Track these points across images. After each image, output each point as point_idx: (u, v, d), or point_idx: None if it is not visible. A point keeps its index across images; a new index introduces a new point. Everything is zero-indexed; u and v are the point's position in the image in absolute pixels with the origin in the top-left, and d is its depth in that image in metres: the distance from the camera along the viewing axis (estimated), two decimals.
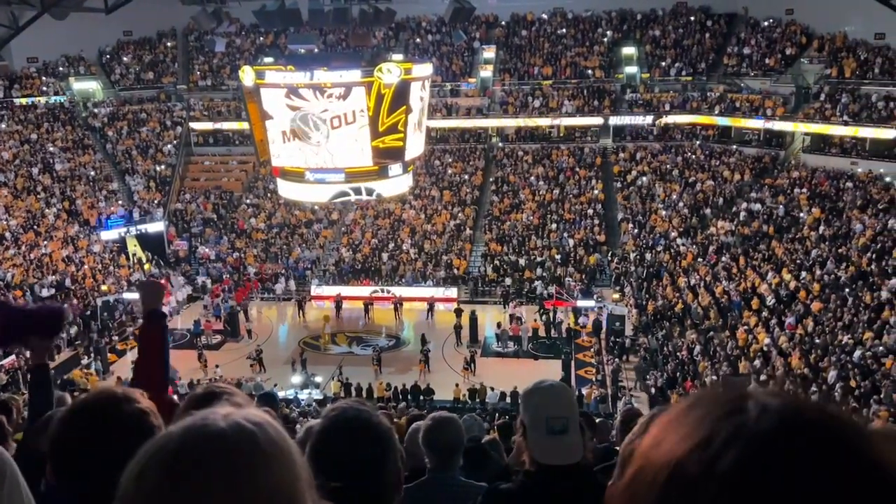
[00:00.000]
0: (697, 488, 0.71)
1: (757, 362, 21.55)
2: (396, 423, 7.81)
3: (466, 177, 37.59)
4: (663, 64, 39.12)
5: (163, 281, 30.19)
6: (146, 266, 33.47)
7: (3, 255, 29.64)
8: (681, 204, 33.35)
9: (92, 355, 25.90)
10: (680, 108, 37.08)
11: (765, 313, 23.72)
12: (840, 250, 24.92)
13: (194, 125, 40.74)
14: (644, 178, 35.40)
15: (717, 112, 35.98)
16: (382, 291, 31.30)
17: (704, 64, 38.62)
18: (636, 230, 32.94)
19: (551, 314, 28.46)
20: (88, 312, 28.46)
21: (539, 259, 32.37)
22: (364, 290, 31.40)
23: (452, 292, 31.11)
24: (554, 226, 34.02)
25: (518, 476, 2.58)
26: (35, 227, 32.20)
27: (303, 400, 22.52)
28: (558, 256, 32.25)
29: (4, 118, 37.26)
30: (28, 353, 3.00)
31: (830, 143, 32.84)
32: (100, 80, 41.84)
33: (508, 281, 31.41)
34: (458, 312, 28.34)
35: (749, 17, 39.36)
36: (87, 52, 41.88)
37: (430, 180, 37.49)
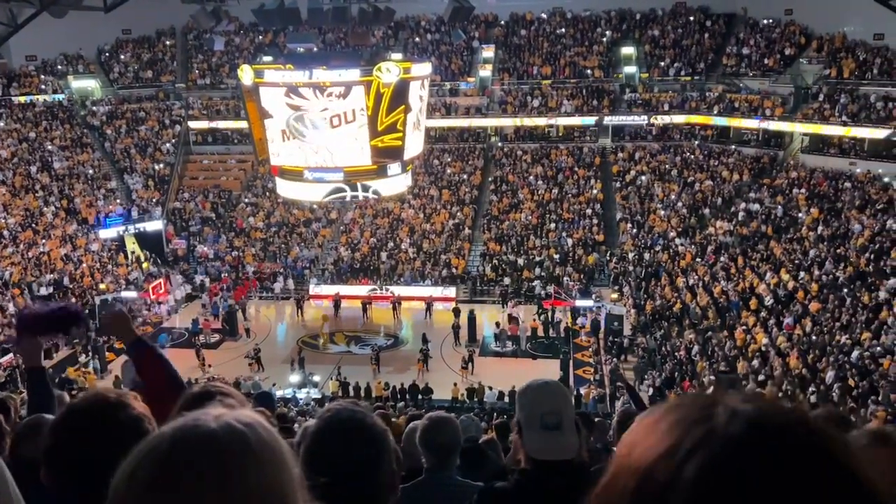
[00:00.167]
0: (665, 495, 0.70)
1: (755, 362, 21.58)
2: (395, 422, 7.81)
3: (465, 176, 37.59)
4: (662, 64, 39.14)
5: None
6: (144, 265, 33.45)
7: (2, 253, 29.62)
8: (679, 204, 33.37)
9: (90, 354, 25.88)
10: (679, 108, 37.10)
11: (763, 313, 23.74)
12: (838, 250, 24.95)
13: (193, 124, 40.72)
14: (643, 178, 35.42)
15: (715, 112, 35.99)
16: (381, 290, 31.31)
17: (703, 64, 38.64)
18: (635, 230, 32.96)
19: (550, 314, 28.47)
20: (87, 311, 28.42)
21: (538, 259, 32.38)
22: (362, 290, 31.40)
23: (451, 292, 31.11)
24: (553, 225, 34.03)
25: (513, 475, 2.58)
26: (33, 225, 32.17)
27: (301, 399, 22.53)
28: (557, 256, 32.26)
29: (3, 116, 37.21)
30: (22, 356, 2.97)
31: (829, 144, 32.86)
32: (98, 79, 41.79)
33: (507, 280, 31.42)
34: (457, 312, 28.35)
35: (748, 17, 39.38)
36: (86, 50, 41.84)
37: (428, 179, 37.49)
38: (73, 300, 28.17)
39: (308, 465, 1.57)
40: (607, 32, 41.01)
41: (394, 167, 20.03)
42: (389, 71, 18.41)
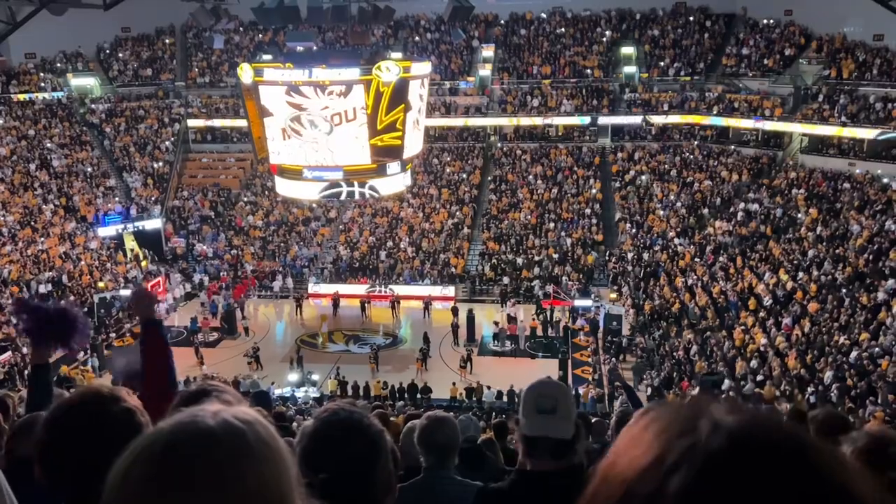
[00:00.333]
0: None
1: (753, 363, 21.59)
2: (393, 421, 7.80)
3: (465, 175, 37.59)
4: (662, 64, 39.14)
5: (150, 286, 30.27)
6: (143, 263, 33.43)
7: (1, 251, 29.59)
8: (678, 204, 33.39)
9: (88, 352, 25.85)
10: (678, 108, 37.11)
11: (762, 314, 23.75)
12: (837, 251, 24.96)
13: (192, 122, 40.69)
14: (642, 178, 35.43)
15: (715, 112, 36.00)
16: (380, 288, 31.30)
17: (703, 64, 38.65)
18: (634, 230, 32.97)
19: (548, 313, 28.48)
20: (85, 309, 28.41)
21: (537, 258, 32.38)
22: (361, 289, 31.39)
23: (450, 291, 31.11)
24: (552, 225, 34.03)
25: (510, 475, 2.58)
26: (32, 223, 32.14)
27: (300, 398, 22.53)
28: (556, 256, 32.27)
29: (2, 114, 37.15)
30: (27, 350, 3.05)
31: (828, 144, 32.87)
32: (98, 77, 41.75)
33: (506, 280, 31.42)
34: (455, 311, 28.35)
35: (748, 17, 39.39)
36: (86, 48, 41.80)
37: (428, 179, 37.48)
38: (73, 298, 28.17)
39: (305, 465, 1.56)
40: (607, 32, 41.01)
41: (393, 166, 20.01)
42: (389, 70, 18.39)
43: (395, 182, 20.87)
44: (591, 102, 38.16)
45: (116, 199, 35.92)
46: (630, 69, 39.55)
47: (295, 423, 10.04)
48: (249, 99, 20.30)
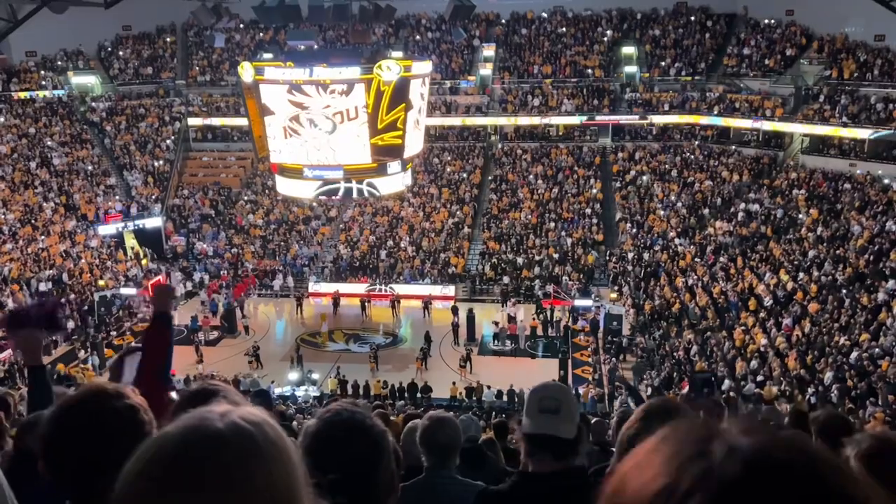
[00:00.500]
0: None
1: (754, 363, 21.59)
2: (393, 420, 7.80)
3: (465, 175, 37.58)
4: (663, 64, 39.13)
5: (151, 285, 30.37)
6: (144, 261, 33.43)
7: (1, 249, 29.60)
8: (679, 204, 33.38)
9: (89, 350, 25.87)
10: (679, 108, 37.10)
11: (762, 314, 23.75)
12: (838, 252, 24.96)
13: (192, 121, 40.70)
14: (643, 178, 35.42)
15: (716, 112, 35.99)
16: (381, 287, 31.29)
17: (704, 64, 38.63)
18: (634, 230, 32.96)
19: (549, 313, 28.47)
20: (86, 307, 28.41)
21: (537, 258, 32.37)
22: (362, 288, 31.39)
23: (450, 290, 31.11)
24: (552, 225, 34.03)
25: (511, 477, 2.58)
26: (32, 221, 32.14)
27: (300, 397, 22.54)
28: (556, 255, 32.27)
29: (3, 112, 37.16)
30: (20, 355, 3.07)
31: (829, 145, 32.86)
32: (98, 75, 41.75)
33: (506, 279, 31.42)
34: (455, 310, 28.35)
35: (749, 17, 39.37)
36: (86, 46, 41.79)
37: (428, 178, 37.48)
38: (73, 297, 28.19)
39: (307, 465, 1.56)
40: (608, 32, 41.00)
41: (394, 165, 19.98)
42: (390, 69, 18.36)
43: (394, 181, 20.83)
44: (591, 102, 38.15)
45: (117, 197, 35.93)
46: (631, 69, 39.54)
47: (295, 423, 10.04)
48: (250, 98, 20.28)
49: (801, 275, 24.63)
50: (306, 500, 0.97)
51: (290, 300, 31.29)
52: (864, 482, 0.70)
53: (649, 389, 22.13)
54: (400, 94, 18.70)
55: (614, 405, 21.12)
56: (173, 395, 2.81)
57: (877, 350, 19.37)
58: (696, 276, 28.25)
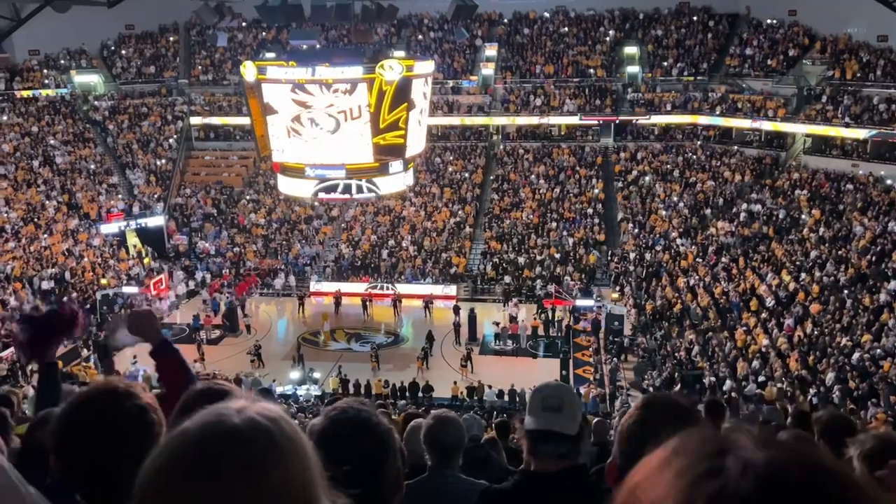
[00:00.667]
0: None
1: (755, 363, 21.57)
2: (394, 419, 7.81)
3: (467, 174, 37.59)
4: (665, 64, 39.10)
5: (153, 282, 30.42)
6: (146, 260, 33.46)
7: (3, 247, 29.64)
8: (681, 204, 33.36)
9: (91, 349, 25.90)
10: (681, 108, 37.07)
11: (764, 314, 23.74)
12: (840, 252, 24.94)
13: (195, 120, 40.73)
14: (645, 178, 35.40)
15: (718, 112, 35.96)
16: (382, 286, 31.29)
17: (706, 64, 38.60)
18: (636, 230, 32.95)
19: (550, 313, 28.47)
20: (88, 306, 28.45)
21: (539, 258, 32.37)
22: (363, 287, 31.39)
23: (451, 290, 31.11)
24: (554, 224, 34.02)
25: (514, 476, 2.59)
26: (35, 219, 32.19)
27: (301, 396, 22.57)
28: (558, 255, 32.26)
29: (6, 111, 37.22)
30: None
31: (832, 145, 32.82)
32: (101, 74, 41.78)
33: (508, 279, 31.42)
34: (457, 310, 28.36)
35: (752, 17, 39.32)
36: (89, 45, 41.82)
37: (430, 177, 37.48)
38: (74, 295, 28.20)
39: None
40: (610, 32, 40.98)
41: (395, 165, 19.99)
42: (392, 69, 18.37)
43: (396, 181, 20.84)
44: (593, 102, 38.14)
45: (119, 196, 35.95)
46: (633, 69, 39.52)
47: (297, 422, 10.06)
48: (252, 97, 20.30)
49: (803, 275, 24.62)
50: (322, 495, 0.99)
51: (292, 299, 31.32)
52: (880, 498, 0.69)
53: (651, 390, 22.13)
54: (402, 93, 18.71)
55: (615, 405, 21.14)
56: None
57: (879, 351, 19.35)
58: (697, 277, 28.23)
